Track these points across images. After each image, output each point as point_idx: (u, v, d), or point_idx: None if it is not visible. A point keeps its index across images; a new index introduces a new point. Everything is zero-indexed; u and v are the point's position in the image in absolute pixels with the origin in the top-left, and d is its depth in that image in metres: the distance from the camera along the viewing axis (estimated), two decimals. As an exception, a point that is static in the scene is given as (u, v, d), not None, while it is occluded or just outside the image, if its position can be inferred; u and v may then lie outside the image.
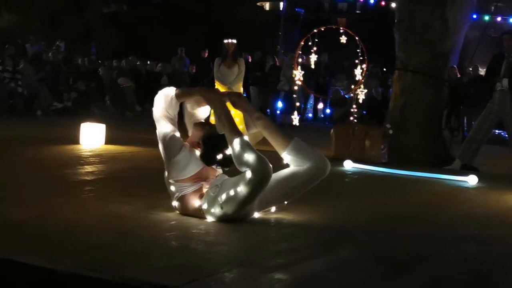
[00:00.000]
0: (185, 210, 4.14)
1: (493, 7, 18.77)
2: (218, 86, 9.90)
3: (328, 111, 17.92)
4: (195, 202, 4.08)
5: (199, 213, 4.07)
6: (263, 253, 3.43)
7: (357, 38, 9.28)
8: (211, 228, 3.88)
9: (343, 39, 9.27)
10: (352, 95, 10.02)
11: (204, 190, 4.09)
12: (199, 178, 4.12)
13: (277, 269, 3.07)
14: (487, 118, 8.57)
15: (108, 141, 7.97)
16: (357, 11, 41.59)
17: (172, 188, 4.17)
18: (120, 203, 4.50)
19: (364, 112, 16.75)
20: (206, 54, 17.46)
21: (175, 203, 4.19)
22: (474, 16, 16.99)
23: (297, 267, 3.16)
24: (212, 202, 3.97)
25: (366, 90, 10.08)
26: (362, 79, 9.48)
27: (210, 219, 4.00)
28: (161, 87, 14.29)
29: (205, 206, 4.02)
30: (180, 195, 4.13)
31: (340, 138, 8.40)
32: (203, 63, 16.85)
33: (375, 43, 20.33)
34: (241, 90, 10.13)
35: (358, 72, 9.44)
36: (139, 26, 25.88)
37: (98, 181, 5.47)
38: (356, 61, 9.40)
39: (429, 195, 5.98)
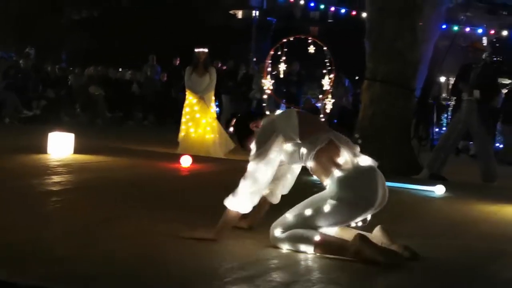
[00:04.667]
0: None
1: (462, 18, 19.04)
2: (190, 94, 9.91)
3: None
4: None
5: None
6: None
7: (325, 48, 9.34)
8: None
9: (312, 49, 9.32)
10: (320, 104, 10.08)
11: None
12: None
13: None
14: (455, 128, 8.68)
15: (77, 150, 7.89)
16: (329, 20, 41.86)
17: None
18: (87, 214, 4.47)
19: (335, 121, 16.87)
20: (178, 62, 17.43)
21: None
22: (444, 27, 17.24)
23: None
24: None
25: (334, 100, 10.14)
26: (330, 88, 9.53)
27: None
28: (131, 94, 14.17)
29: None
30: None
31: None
32: (175, 71, 16.83)
33: (347, 53, 20.48)
34: (213, 98, 10.14)
35: (326, 82, 9.49)
36: (110, 33, 25.74)
37: (65, 192, 5.41)
38: (324, 71, 9.45)
39: (395, 205, 5.97)
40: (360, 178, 3.72)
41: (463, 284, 3.46)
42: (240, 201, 3.81)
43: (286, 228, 3.74)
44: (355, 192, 3.68)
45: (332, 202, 3.67)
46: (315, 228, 3.69)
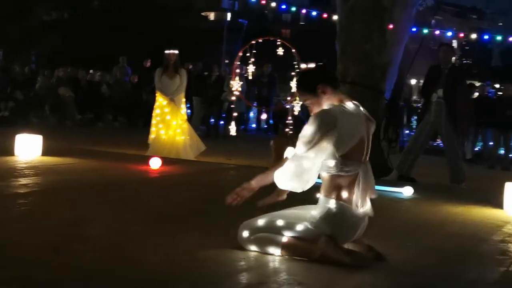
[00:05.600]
0: None
1: (432, 21, 19.25)
2: (160, 96, 9.85)
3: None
4: None
5: None
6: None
7: (293, 50, 9.36)
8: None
9: (280, 51, 9.34)
10: (288, 106, 10.11)
11: None
12: None
13: None
14: (424, 129, 8.75)
15: (45, 152, 7.80)
16: (301, 23, 42.03)
17: None
18: (53, 217, 4.43)
19: (305, 122, 16.93)
20: (149, 64, 17.32)
21: None
22: (414, 29, 17.40)
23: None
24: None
25: (301, 102, 10.15)
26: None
27: None
28: (101, 96, 14.04)
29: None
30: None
31: (279, 150, 8.36)
32: (145, 72, 16.71)
33: (319, 55, 20.55)
34: (183, 100, 10.10)
35: (294, 84, 9.51)
36: (80, 35, 25.54)
37: (31, 194, 5.34)
38: (293, 73, 9.47)
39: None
40: (345, 223, 3.67)
41: (427, 284, 3.49)
42: (281, 179, 3.68)
43: (254, 231, 3.74)
44: (333, 230, 3.64)
45: (308, 225, 3.66)
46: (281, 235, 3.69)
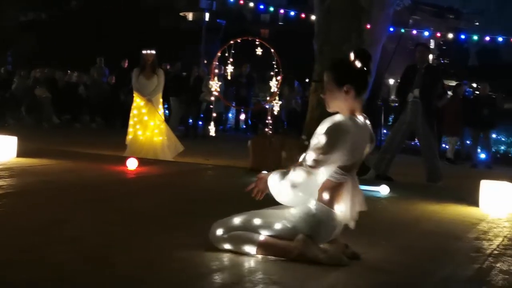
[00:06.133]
0: None
1: (410, 20, 19.38)
2: (137, 97, 9.81)
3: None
4: None
5: None
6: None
7: (272, 50, 9.36)
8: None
9: (259, 51, 9.33)
10: (268, 106, 10.11)
11: None
12: None
13: None
14: (400, 129, 8.81)
15: (21, 153, 7.74)
16: (280, 23, 42.06)
17: None
18: (28, 219, 4.40)
19: (285, 123, 16.97)
20: (126, 64, 17.25)
21: None
22: (391, 29, 17.50)
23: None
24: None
25: (281, 102, 10.16)
26: (277, 91, 9.56)
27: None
28: (78, 97, 13.94)
29: None
30: None
31: (257, 150, 8.41)
32: (123, 73, 16.64)
33: (297, 55, 20.57)
34: (161, 101, 10.07)
35: (273, 84, 9.52)
36: (58, 35, 25.35)
37: (5, 196, 5.29)
38: (272, 73, 9.48)
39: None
40: (324, 225, 3.65)
41: (402, 282, 3.51)
42: (278, 188, 3.65)
43: (229, 229, 3.72)
44: (311, 230, 3.63)
45: (286, 224, 3.65)
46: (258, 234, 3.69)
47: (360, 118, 3.71)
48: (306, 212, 3.66)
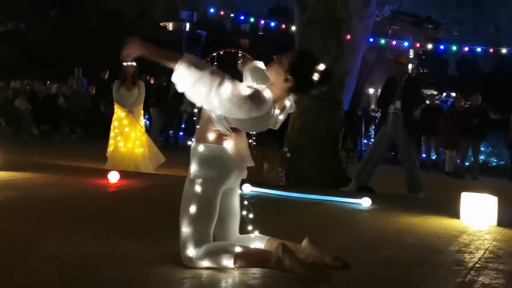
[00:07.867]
0: None
1: (390, 31, 19.49)
2: (118, 108, 9.78)
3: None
4: None
5: None
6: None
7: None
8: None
9: (240, 62, 9.32)
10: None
11: None
12: None
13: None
14: (381, 140, 8.86)
15: (1, 166, 7.67)
16: (260, 33, 42.14)
17: None
18: (9, 233, 4.36)
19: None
20: (107, 75, 17.18)
21: None
22: (371, 40, 17.62)
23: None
24: None
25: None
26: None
27: None
28: (58, 108, 13.85)
29: None
30: None
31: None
32: (103, 83, 16.58)
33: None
34: (141, 112, 10.05)
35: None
36: (37, 46, 25.20)
37: (-14, 211, 5.25)
38: (252, 84, 9.49)
39: (321, 217, 6.07)
40: (222, 161, 3.66)
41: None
42: (183, 74, 3.70)
43: (196, 241, 3.63)
44: (215, 171, 3.64)
45: (198, 181, 3.64)
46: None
47: (277, 111, 3.73)
48: (198, 158, 3.66)
